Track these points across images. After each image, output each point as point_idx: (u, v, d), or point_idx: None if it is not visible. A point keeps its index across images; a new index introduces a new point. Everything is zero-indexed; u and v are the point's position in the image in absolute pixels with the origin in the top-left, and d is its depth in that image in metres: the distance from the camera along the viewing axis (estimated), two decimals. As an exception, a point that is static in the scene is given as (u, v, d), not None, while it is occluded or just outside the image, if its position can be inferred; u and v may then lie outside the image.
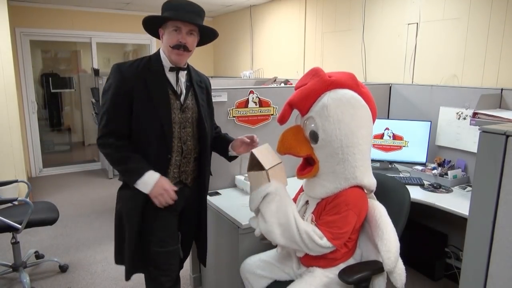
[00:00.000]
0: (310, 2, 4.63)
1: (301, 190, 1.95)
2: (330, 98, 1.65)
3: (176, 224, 1.85)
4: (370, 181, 1.75)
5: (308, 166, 1.77)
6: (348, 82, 1.69)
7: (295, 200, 1.98)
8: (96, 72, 5.79)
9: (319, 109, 1.65)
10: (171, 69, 1.70)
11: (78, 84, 6.73)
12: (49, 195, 4.77)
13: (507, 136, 1.02)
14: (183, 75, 1.75)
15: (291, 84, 4.35)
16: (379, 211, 1.72)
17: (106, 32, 5.94)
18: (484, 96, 2.46)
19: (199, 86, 1.83)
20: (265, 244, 2.07)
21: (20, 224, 2.59)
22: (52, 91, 6.53)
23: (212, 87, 2.01)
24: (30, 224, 2.66)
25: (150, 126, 1.66)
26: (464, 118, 2.74)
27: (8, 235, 2.75)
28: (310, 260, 1.76)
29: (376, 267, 1.67)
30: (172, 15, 1.61)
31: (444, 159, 2.84)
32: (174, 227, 1.82)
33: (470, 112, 2.60)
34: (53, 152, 6.84)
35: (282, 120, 1.75)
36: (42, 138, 5.84)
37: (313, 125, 1.67)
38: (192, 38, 1.68)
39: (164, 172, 1.72)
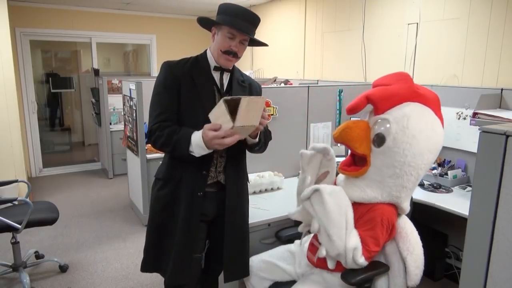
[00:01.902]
0: (310, 2, 4.63)
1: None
2: (414, 110, 1.56)
3: (204, 232, 1.81)
4: (407, 207, 1.71)
5: (353, 165, 1.70)
6: (434, 102, 1.64)
7: None
8: (96, 72, 5.79)
9: (398, 116, 1.56)
10: (215, 69, 1.74)
11: (78, 84, 6.73)
12: (49, 195, 4.77)
13: (507, 136, 1.02)
14: (226, 76, 1.78)
15: (291, 84, 4.34)
16: (410, 225, 1.70)
17: (106, 32, 5.94)
18: (484, 96, 2.46)
19: (241, 85, 1.82)
20: (266, 244, 2.07)
21: (20, 224, 2.59)
22: (52, 91, 6.52)
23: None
24: (30, 224, 2.66)
25: (196, 119, 1.66)
26: (464, 118, 2.73)
27: (8, 235, 2.75)
28: (322, 263, 1.73)
29: (378, 268, 1.66)
30: (230, 23, 1.62)
31: (444, 159, 2.84)
32: (198, 235, 1.77)
33: (470, 112, 2.60)
34: (53, 152, 6.84)
35: (354, 110, 1.63)
36: (42, 138, 5.84)
37: (383, 128, 1.58)
38: (243, 47, 1.71)
39: (206, 169, 1.72)
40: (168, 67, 1.72)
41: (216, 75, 1.75)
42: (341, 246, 1.54)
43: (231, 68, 1.79)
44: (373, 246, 1.57)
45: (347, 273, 1.61)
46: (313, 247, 1.86)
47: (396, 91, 1.61)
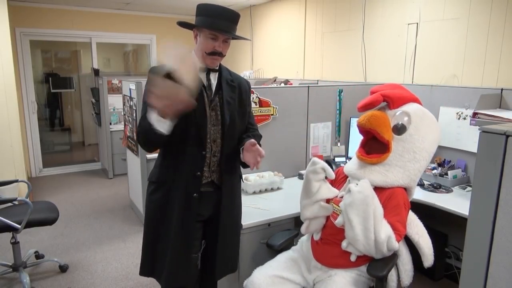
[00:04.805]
0: (310, 2, 4.63)
1: (341, 174, 1.95)
2: (422, 107, 1.85)
3: (200, 232, 1.81)
4: (414, 192, 1.87)
5: (366, 154, 1.82)
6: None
7: (337, 184, 1.94)
8: (96, 72, 5.79)
9: (414, 109, 1.81)
10: (201, 69, 1.73)
11: (78, 84, 6.73)
12: (49, 195, 4.77)
13: (507, 136, 1.02)
14: (214, 75, 1.78)
15: (291, 84, 4.34)
16: (412, 213, 1.84)
17: (106, 32, 5.94)
18: (484, 96, 2.46)
19: (230, 84, 1.82)
20: (265, 244, 2.07)
21: (20, 224, 2.59)
22: (52, 91, 6.52)
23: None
24: (30, 224, 2.66)
25: (187, 120, 1.64)
26: (464, 118, 2.73)
27: (8, 235, 2.75)
28: (337, 262, 1.75)
29: (394, 258, 1.72)
30: (211, 25, 1.64)
31: (444, 159, 2.84)
32: (194, 235, 1.77)
33: (470, 112, 2.60)
34: (53, 152, 6.84)
35: (369, 106, 1.82)
36: (42, 138, 5.84)
37: (406, 118, 1.78)
38: (227, 45, 1.73)
39: (200, 169, 1.72)
40: (156, 72, 1.71)
41: (202, 76, 1.75)
42: (369, 238, 1.60)
43: (217, 68, 1.79)
44: (402, 229, 1.68)
45: (374, 268, 1.63)
46: (317, 246, 1.85)
47: (404, 93, 1.87)
